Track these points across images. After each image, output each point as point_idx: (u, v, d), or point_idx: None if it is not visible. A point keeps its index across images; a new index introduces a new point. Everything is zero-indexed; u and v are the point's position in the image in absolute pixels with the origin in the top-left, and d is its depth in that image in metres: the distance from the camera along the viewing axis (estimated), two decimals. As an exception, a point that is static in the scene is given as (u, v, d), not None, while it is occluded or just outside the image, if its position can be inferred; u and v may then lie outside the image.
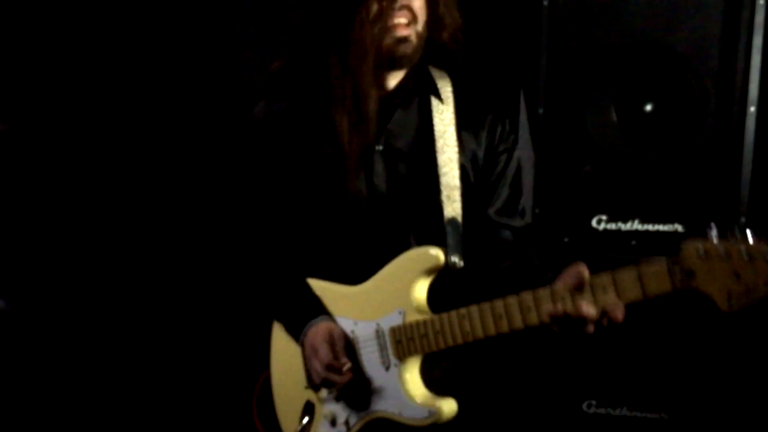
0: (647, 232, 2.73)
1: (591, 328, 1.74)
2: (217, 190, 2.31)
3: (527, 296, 1.78)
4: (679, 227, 2.70)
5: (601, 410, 2.78)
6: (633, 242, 2.74)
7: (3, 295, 3.02)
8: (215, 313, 3.15)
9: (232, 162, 2.20)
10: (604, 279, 1.70)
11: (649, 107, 2.72)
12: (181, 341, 3.23)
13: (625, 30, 2.71)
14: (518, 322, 1.79)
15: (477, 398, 2.32)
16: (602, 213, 2.77)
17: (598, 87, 2.74)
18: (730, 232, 1.57)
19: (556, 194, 2.80)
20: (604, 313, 1.71)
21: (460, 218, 2.01)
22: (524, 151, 2.91)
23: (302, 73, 2.06)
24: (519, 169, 2.14)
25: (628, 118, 2.73)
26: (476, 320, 1.84)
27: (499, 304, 1.81)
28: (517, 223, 2.13)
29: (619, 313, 1.70)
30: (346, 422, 2.05)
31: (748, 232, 1.54)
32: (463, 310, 1.86)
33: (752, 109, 2.63)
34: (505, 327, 1.81)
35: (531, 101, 2.85)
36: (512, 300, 1.79)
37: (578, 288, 1.72)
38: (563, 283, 1.74)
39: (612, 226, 2.75)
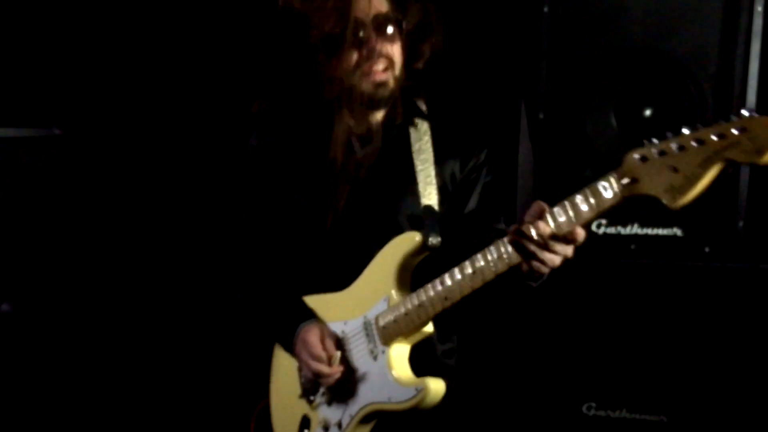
0: (646, 236, 2.75)
1: (557, 260, 1.77)
2: (215, 217, 2.37)
3: (492, 246, 1.84)
4: (678, 231, 2.73)
5: (601, 412, 2.81)
6: (632, 246, 2.76)
7: (7, 298, 3.04)
8: (216, 341, 3.16)
9: (229, 190, 2.28)
10: (559, 206, 1.75)
11: (648, 112, 2.75)
12: (181, 367, 3.23)
13: (624, 36, 2.74)
14: (489, 273, 1.85)
15: (477, 401, 2.36)
16: (602, 217, 2.79)
17: (597, 92, 2.76)
18: (668, 133, 1.59)
19: (556, 199, 2.82)
20: (566, 238, 1.74)
21: (436, 206, 2.09)
22: (524, 156, 2.94)
23: (288, 109, 2.18)
24: (494, 180, 2.22)
25: (628, 123, 2.76)
26: (452, 284, 1.90)
27: (468, 262, 1.88)
28: (502, 226, 2.18)
29: (579, 235, 1.74)
30: (339, 424, 2.08)
31: (684, 129, 1.55)
32: (437, 279, 1.93)
33: (750, 115, 2.65)
34: (478, 281, 1.87)
35: (531, 106, 2.88)
36: (478, 254, 1.86)
37: (538, 218, 1.76)
38: (524, 219, 1.79)
39: (611, 230, 2.78)
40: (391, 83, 2.05)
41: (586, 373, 2.81)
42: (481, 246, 1.88)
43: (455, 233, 2.08)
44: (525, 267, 1.80)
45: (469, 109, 2.37)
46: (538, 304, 2.82)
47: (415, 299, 1.96)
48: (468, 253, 1.90)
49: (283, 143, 2.17)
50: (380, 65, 2.02)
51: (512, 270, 1.83)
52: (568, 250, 1.76)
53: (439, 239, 2.00)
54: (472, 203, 2.17)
